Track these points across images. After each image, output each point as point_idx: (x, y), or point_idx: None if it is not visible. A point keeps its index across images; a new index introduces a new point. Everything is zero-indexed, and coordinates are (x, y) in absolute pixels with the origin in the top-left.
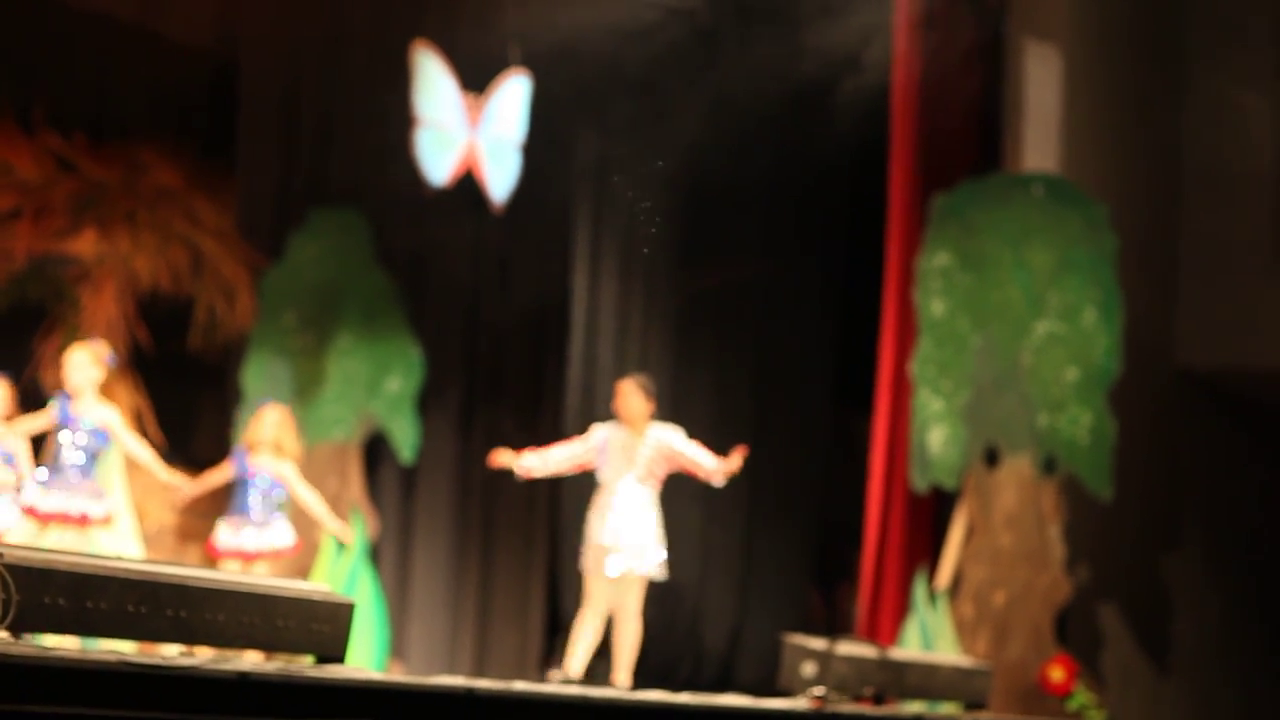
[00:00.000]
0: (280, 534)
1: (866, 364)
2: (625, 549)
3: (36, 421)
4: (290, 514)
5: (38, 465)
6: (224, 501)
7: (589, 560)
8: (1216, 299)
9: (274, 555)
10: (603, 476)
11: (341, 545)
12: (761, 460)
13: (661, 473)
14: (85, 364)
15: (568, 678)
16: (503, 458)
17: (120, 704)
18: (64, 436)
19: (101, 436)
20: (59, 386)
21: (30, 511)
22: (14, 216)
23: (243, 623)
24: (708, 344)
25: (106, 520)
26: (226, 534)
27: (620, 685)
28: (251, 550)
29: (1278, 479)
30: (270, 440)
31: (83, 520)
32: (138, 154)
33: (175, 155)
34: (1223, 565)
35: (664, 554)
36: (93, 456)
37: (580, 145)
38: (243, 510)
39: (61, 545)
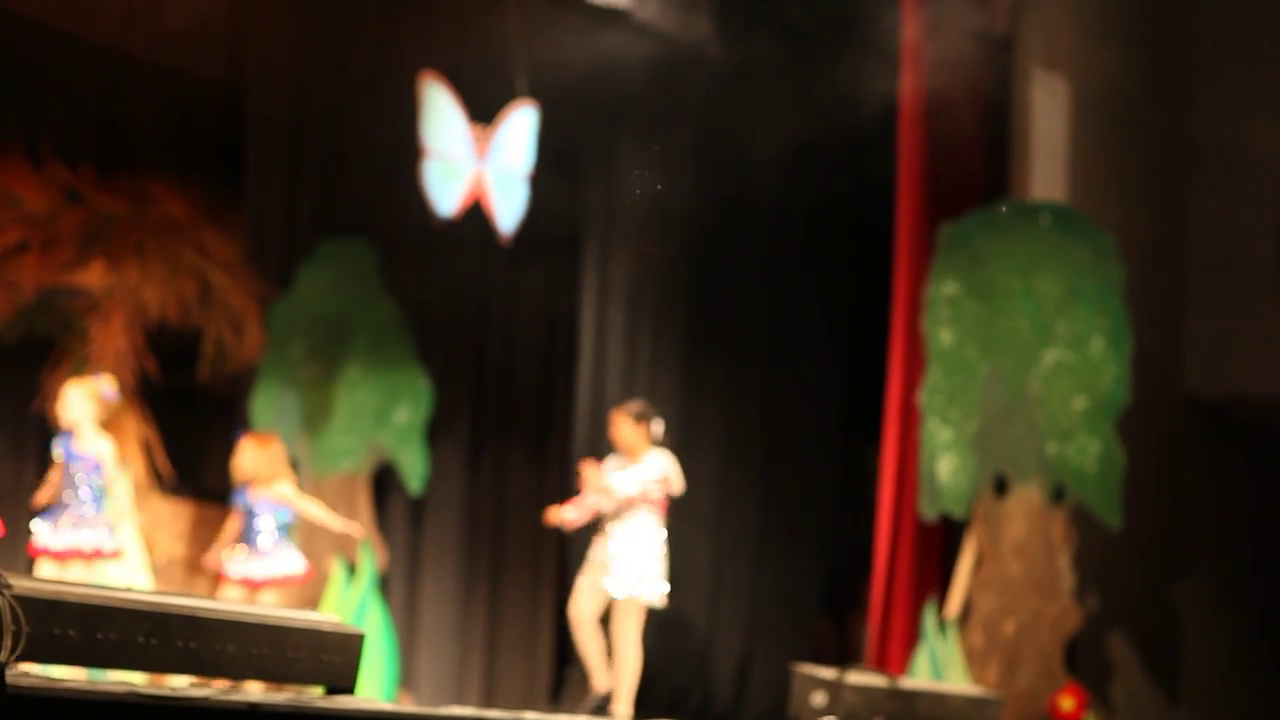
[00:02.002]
0: (289, 562)
1: (875, 393)
2: (624, 574)
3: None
4: (300, 539)
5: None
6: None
7: (584, 577)
8: (1225, 327)
9: (283, 583)
10: (605, 507)
11: (352, 571)
12: (770, 490)
13: (660, 498)
14: (81, 400)
15: (599, 697)
16: (554, 517)
17: None
18: (69, 473)
19: (100, 470)
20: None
21: (44, 551)
22: (21, 249)
23: (253, 654)
24: (716, 374)
25: (117, 554)
26: (235, 562)
27: (622, 716)
28: (259, 579)
29: None
30: (253, 471)
31: (95, 554)
32: (146, 185)
33: (183, 186)
34: (1232, 593)
35: (664, 584)
36: (99, 490)
37: (588, 176)
38: (250, 541)
39: (72, 578)
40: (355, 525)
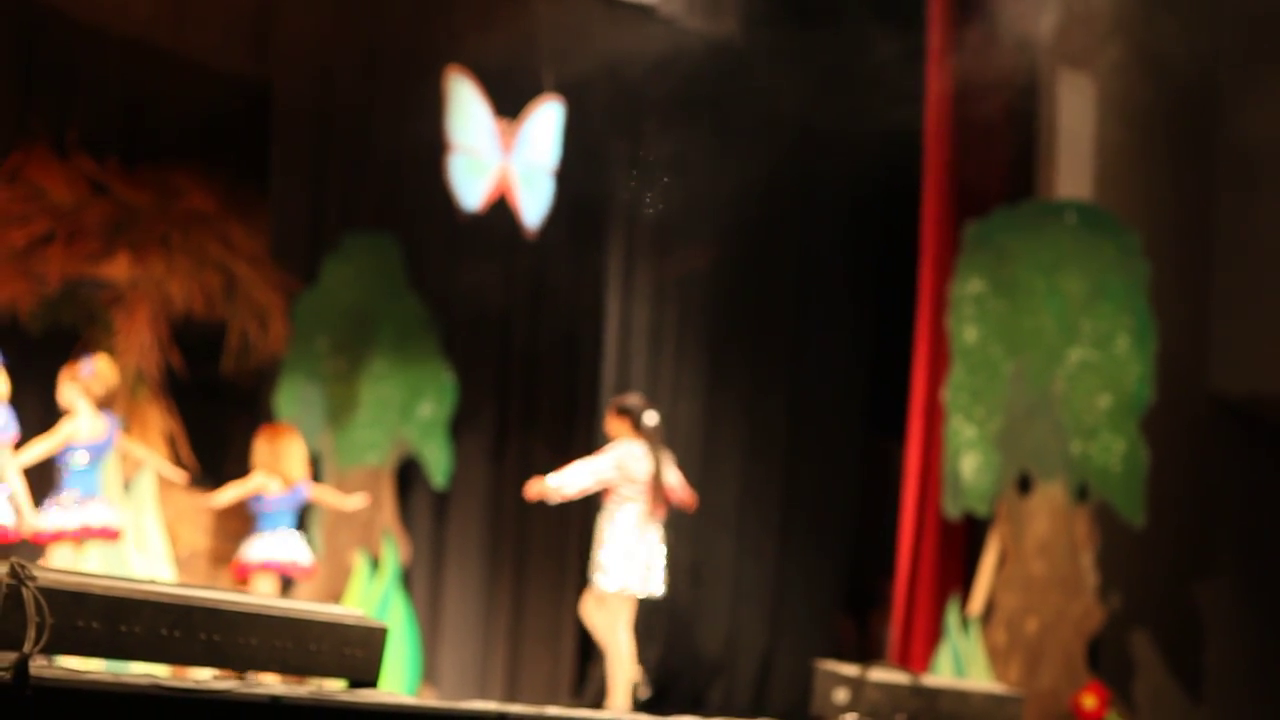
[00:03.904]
0: (299, 550)
1: (899, 391)
2: (610, 568)
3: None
4: (324, 533)
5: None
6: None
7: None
8: (1250, 325)
9: (296, 569)
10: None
11: (375, 565)
12: (794, 487)
13: (619, 486)
14: (64, 383)
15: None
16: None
17: None
18: (69, 456)
19: (97, 448)
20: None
21: (58, 535)
22: (47, 240)
23: (276, 647)
24: (740, 370)
25: (117, 534)
26: (253, 550)
27: (619, 705)
28: (284, 562)
29: None
30: (258, 463)
31: (105, 533)
32: (171, 178)
33: (209, 179)
34: (1256, 592)
35: (653, 575)
36: (94, 473)
37: (613, 171)
38: (262, 529)
39: (95, 568)
40: (358, 497)
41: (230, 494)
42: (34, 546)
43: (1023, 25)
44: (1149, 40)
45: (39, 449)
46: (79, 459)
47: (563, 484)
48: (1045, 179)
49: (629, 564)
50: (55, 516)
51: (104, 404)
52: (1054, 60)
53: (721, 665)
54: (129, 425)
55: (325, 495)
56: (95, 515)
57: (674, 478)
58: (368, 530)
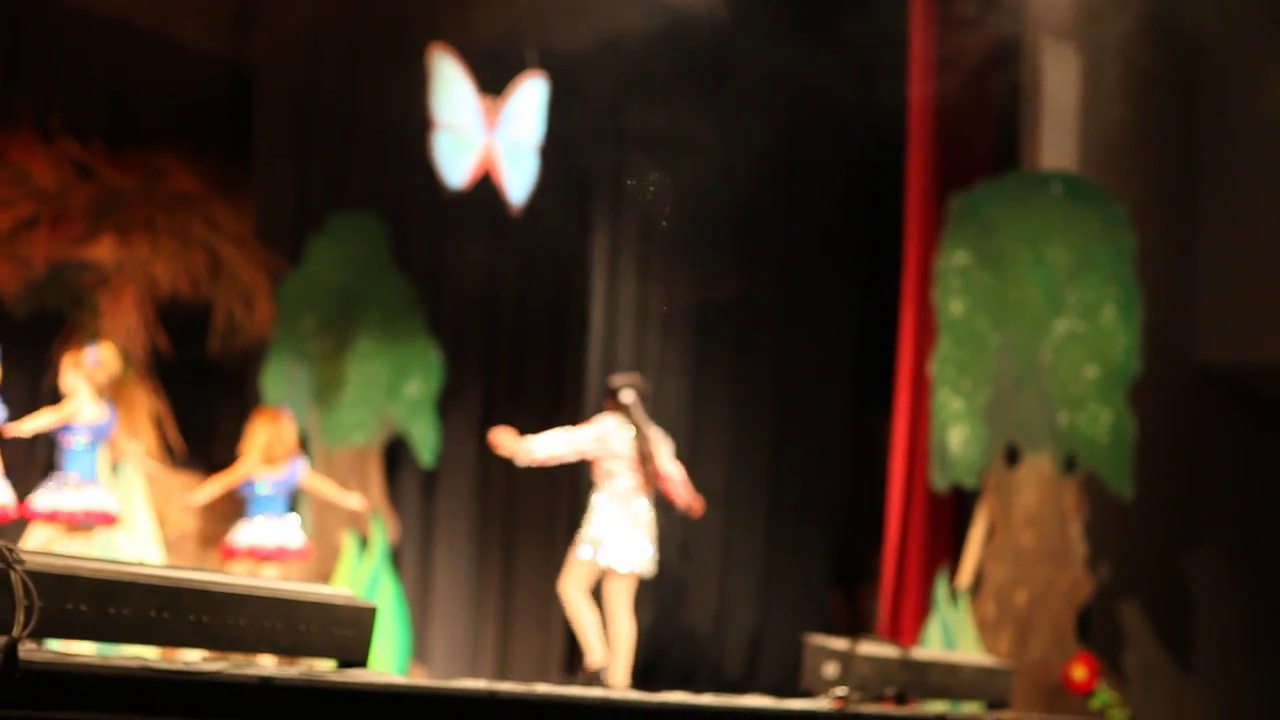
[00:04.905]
0: (291, 534)
1: (886, 364)
2: (608, 544)
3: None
4: (312, 513)
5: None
6: (243, 505)
7: (572, 550)
8: (1236, 295)
9: (284, 555)
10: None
11: (364, 544)
12: (782, 461)
13: (600, 459)
14: (67, 368)
15: (594, 672)
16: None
17: (143, 709)
18: (66, 439)
19: (98, 431)
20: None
21: (53, 515)
22: (32, 223)
23: (265, 628)
24: (727, 345)
25: (114, 520)
26: (240, 534)
27: (618, 685)
28: (271, 547)
29: None
30: (253, 447)
31: (104, 518)
32: (156, 160)
33: (193, 161)
34: (1244, 562)
35: (649, 551)
36: (93, 456)
37: (598, 147)
38: (252, 514)
39: (84, 550)
40: (356, 497)
41: (216, 486)
42: (27, 524)
43: None
44: (1141, 11)
45: (40, 420)
46: (79, 440)
47: (534, 446)
48: (1030, 150)
49: (616, 540)
50: (55, 497)
51: (104, 392)
52: (1038, 31)
53: (711, 640)
54: (116, 407)
55: (323, 487)
56: (95, 499)
57: (674, 470)
58: (355, 511)
